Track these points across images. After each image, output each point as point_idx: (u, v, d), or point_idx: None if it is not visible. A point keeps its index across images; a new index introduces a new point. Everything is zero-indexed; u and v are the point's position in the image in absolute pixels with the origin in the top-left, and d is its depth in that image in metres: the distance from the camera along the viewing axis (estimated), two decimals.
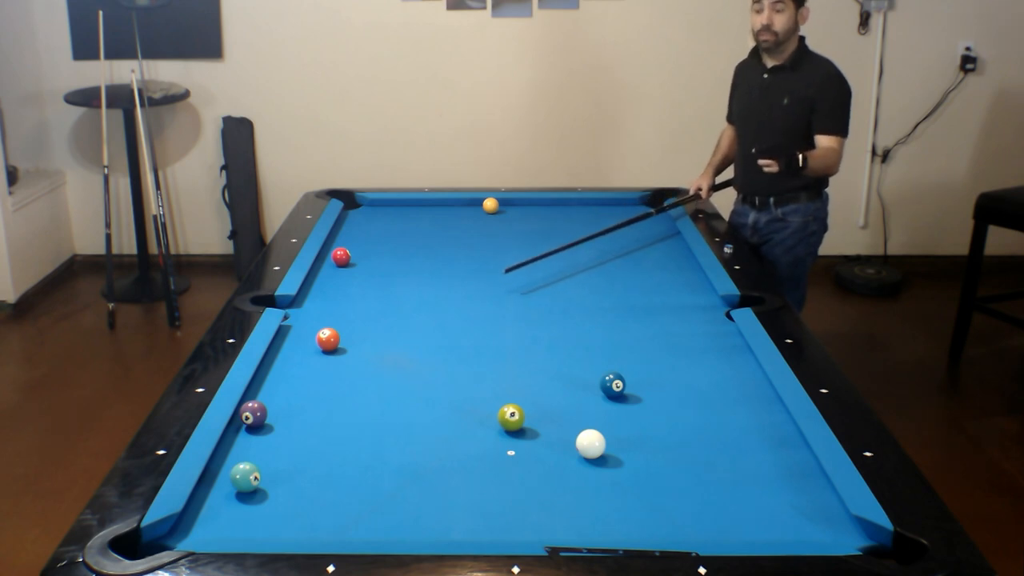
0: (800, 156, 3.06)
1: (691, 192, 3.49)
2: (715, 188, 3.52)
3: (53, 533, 2.70)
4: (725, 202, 3.60)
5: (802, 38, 3.23)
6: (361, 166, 5.17)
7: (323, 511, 1.72)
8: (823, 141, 3.18)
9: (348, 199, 3.61)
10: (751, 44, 3.32)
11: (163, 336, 4.63)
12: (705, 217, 3.42)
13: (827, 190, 3.36)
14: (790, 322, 2.51)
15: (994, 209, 4.14)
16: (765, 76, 3.27)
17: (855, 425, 1.96)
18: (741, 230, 3.40)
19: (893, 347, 4.53)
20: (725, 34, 4.88)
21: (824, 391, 2.10)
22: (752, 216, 3.38)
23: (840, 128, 3.19)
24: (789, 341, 2.36)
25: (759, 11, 3.15)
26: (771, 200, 3.31)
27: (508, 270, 2.90)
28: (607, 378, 2.12)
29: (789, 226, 3.31)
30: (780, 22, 3.12)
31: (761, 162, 3.07)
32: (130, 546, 1.57)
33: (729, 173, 3.55)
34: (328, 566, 1.51)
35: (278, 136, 5.21)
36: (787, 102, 3.20)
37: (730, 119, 3.56)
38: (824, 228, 3.37)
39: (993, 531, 2.96)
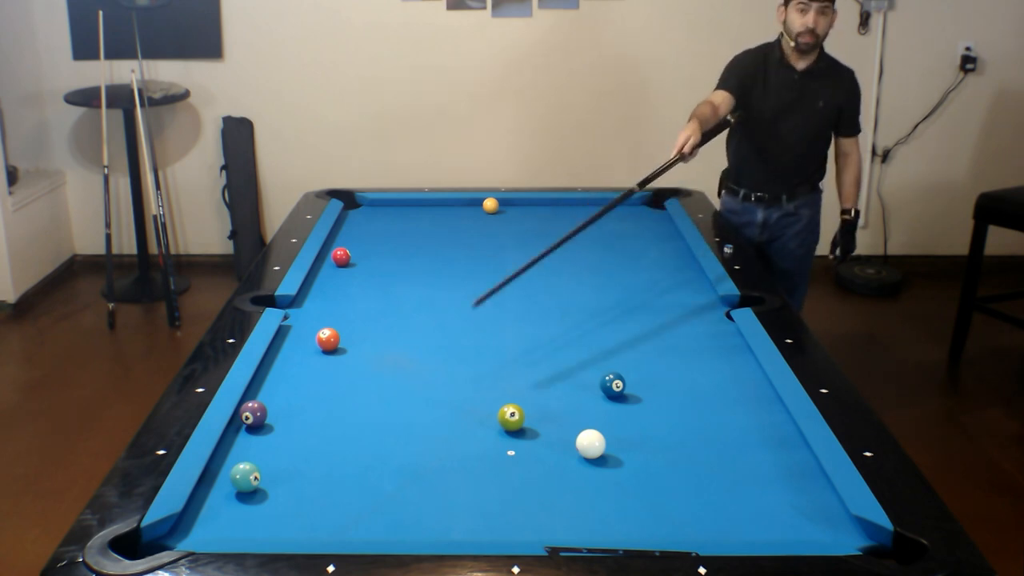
0: (853, 212, 3.43)
1: (676, 148, 2.95)
2: (700, 143, 3.09)
3: (53, 533, 2.70)
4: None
5: None
6: (361, 166, 5.17)
7: (323, 511, 1.72)
8: (847, 145, 3.40)
9: (348, 199, 3.61)
10: (784, 40, 3.26)
11: (163, 336, 4.64)
12: (705, 217, 3.42)
13: (822, 183, 3.50)
14: (790, 322, 2.51)
15: (994, 209, 4.14)
16: (796, 78, 3.26)
17: (855, 425, 1.96)
18: (746, 229, 3.43)
19: (893, 347, 4.53)
20: (725, 34, 4.87)
21: (824, 391, 2.10)
22: (761, 214, 3.41)
23: (859, 128, 3.43)
24: (789, 341, 2.35)
25: (803, 11, 3.13)
26: (783, 197, 3.38)
27: (477, 303, 2.54)
28: (607, 378, 2.12)
29: (801, 219, 3.41)
30: (823, 25, 3.16)
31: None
32: (130, 546, 1.57)
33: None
34: (328, 566, 1.50)
35: (278, 136, 5.21)
36: (822, 105, 3.28)
37: (726, 87, 3.27)
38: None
39: (993, 531, 2.96)
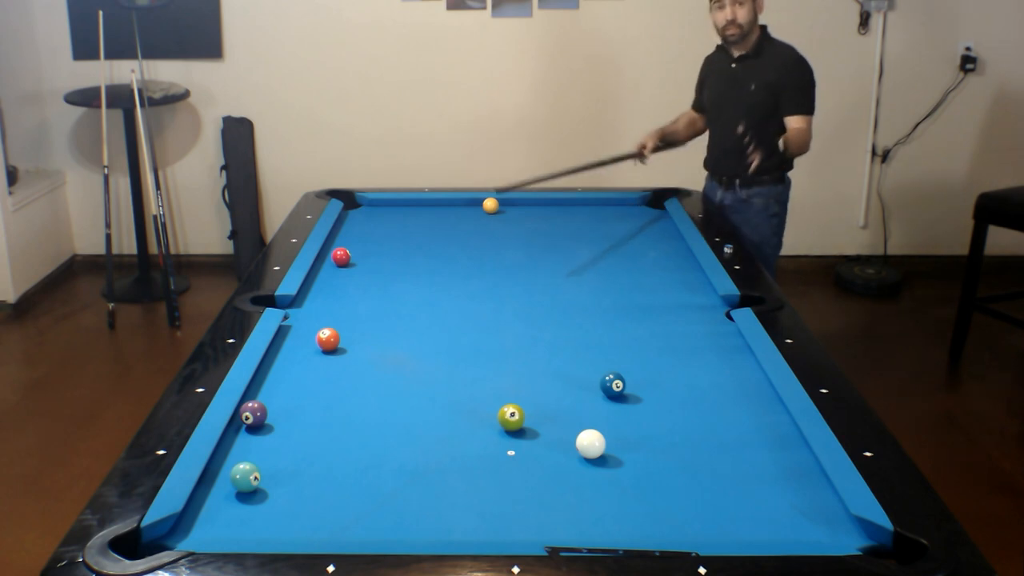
0: (781, 141, 3.28)
1: (636, 149, 3.63)
2: (657, 149, 3.65)
3: (53, 533, 2.69)
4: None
5: (763, 27, 3.43)
6: (361, 166, 5.17)
7: (323, 511, 1.72)
8: (792, 122, 3.36)
9: (348, 199, 3.61)
10: (718, 41, 3.51)
11: (163, 336, 4.64)
12: (705, 217, 3.42)
13: (789, 174, 3.54)
14: (790, 322, 2.51)
15: (994, 209, 4.14)
16: (733, 66, 3.46)
17: (855, 425, 1.96)
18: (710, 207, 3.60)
19: (893, 347, 4.53)
20: None
21: (824, 391, 2.10)
22: (719, 195, 3.59)
23: (807, 108, 3.37)
24: (789, 341, 2.35)
25: (721, 8, 3.34)
26: (736, 182, 3.49)
27: (500, 191, 3.32)
28: (607, 378, 2.12)
29: (752, 207, 3.49)
30: (743, 14, 3.33)
31: (749, 153, 3.27)
32: (130, 546, 1.57)
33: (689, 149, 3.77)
34: (328, 566, 1.50)
35: (278, 136, 5.21)
36: (754, 88, 3.39)
37: (697, 108, 3.75)
38: (785, 211, 3.55)
39: (993, 531, 2.96)
